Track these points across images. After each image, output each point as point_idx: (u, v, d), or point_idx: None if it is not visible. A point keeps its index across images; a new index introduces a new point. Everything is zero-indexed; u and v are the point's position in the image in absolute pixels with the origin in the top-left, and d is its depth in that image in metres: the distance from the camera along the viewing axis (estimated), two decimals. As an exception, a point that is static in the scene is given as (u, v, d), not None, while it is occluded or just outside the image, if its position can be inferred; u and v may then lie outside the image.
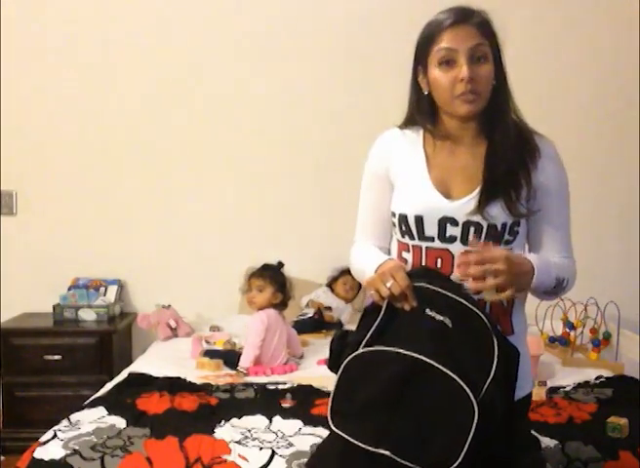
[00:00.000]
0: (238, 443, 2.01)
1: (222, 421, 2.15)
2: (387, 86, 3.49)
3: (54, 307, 3.47)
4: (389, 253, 1.57)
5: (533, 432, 1.95)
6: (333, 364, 1.40)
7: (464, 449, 1.23)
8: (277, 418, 2.20)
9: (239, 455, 1.93)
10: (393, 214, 1.51)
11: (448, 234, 1.44)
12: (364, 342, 1.36)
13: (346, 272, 3.58)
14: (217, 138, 3.69)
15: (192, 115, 3.68)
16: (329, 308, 3.49)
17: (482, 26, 1.41)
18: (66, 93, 3.64)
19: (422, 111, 1.50)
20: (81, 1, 3.62)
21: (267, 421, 2.18)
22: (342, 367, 1.36)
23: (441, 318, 1.32)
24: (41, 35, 3.61)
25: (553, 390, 2.57)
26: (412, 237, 1.47)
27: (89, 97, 3.65)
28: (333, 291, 3.60)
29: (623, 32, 3.60)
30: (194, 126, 3.68)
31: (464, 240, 1.43)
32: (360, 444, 1.31)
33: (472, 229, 1.42)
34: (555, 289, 1.45)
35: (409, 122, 1.55)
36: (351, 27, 3.63)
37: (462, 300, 1.33)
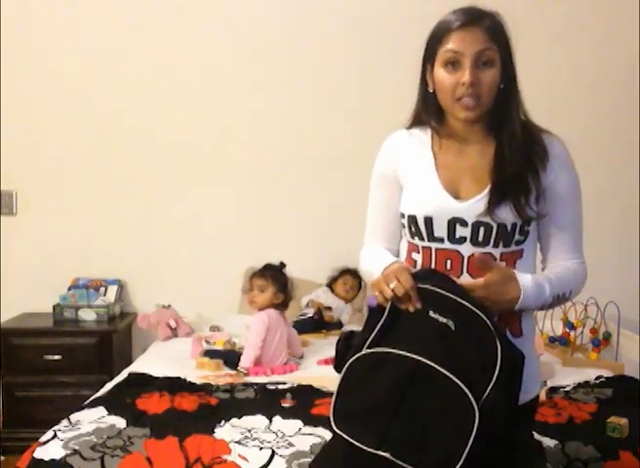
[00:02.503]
0: (238, 443, 2.00)
1: (222, 421, 2.15)
2: (388, 86, 3.51)
3: (54, 307, 3.47)
4: (398, 254, 1.57)
5: (536, 435, 1.96)
6: (338, 364, 1.40)
7: (464, 454, 1.23)
8: (277, 418, 2.20)
9: (239, 455, 1.93)
10: (402, 216, 1.51)
11: (458, 235, 1.43)
12: (367, 344, 1.36)
13: (346, 272, 3.59)
14: (217, 139, 3.69)
15: (192, 116, 3.67)
16: (329, 308, 3.49)
17: (491, 30, 1.39)
18: (66, 93, 3.64)
19: (428, 109, 1.50)
20: (81, 1, 3.62)
21: (267, 421, 2.18)
22: (345, 368, 1.36)
23: (444, 320, 1.32)
24: (41, 35, 3.61)
25: (553, 390, 2.57)
26: (421, 238, 1.47)
27: (89, 96, 3.64)
28: (333, 291, 3.60)
29: (624, 31, 3.60)
30: (194, 126, 3.68)
31: (474, 240, 1.42)
32: (361, 445, 1.31)
33: (482, 230, 1.41)
34: (553, 304, 1.44)
35: (416, 121, 1.54)
36: (352, 29, 3.62)
37: (467, 303, 1.32)
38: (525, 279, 1.38)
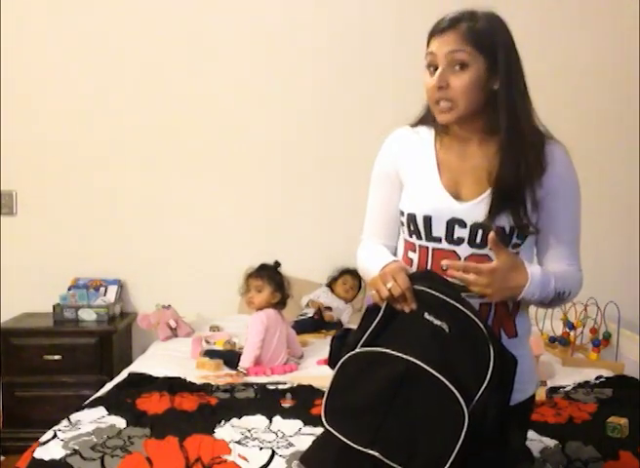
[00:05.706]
0: (238, 443, 2.01)
1: (222, 421, 2.15)
2: (387, 85, 3.51)
3: (54, 307, 3.47)
4: (397, 251, 1.57)
5: (536, 435, 1.95)
6: (332, 362, 1.40)
7: (452, 456, 1.23)
8: (277, 418, 2.20)
9: (239, 455, 1.93)
10: (402, 213, 1.50)
11: (456, 236, 1.43)
12: (361, 342, 1.36)
13: (346, 272, 3.59)
14: (216, 139, 3.69)
15: (192, 116, 3.67)
16: (329, 308, 3.49)
17: (469, 32, 1.36)
18: (66, 93, 3.64)
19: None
20: (81, 1, 3.62)
21: (267, 421, 2.18)
22: (338, 366, 1.37)
23: (439, 323, 1.32)
24: (41, 35, 3.61)
25: (553, 390, 2.57)
26: (419, 237, 1.47)
27: (89, 97, 3.64)
28: (333, 291, 3.60)
29: (624, 32, 3.60)
30: (194, 126, 3.68)
31: (472, 242, 1.42)
32: (351, 443, 1.32)
33: (480, 232, 1.41)
34: (554, 301, 1.42)
35: (423, 119, 1.54)
36: (354, 29, 3.62)
37: (461, 307, 1.32)
38: (534, 268, 1.38)
